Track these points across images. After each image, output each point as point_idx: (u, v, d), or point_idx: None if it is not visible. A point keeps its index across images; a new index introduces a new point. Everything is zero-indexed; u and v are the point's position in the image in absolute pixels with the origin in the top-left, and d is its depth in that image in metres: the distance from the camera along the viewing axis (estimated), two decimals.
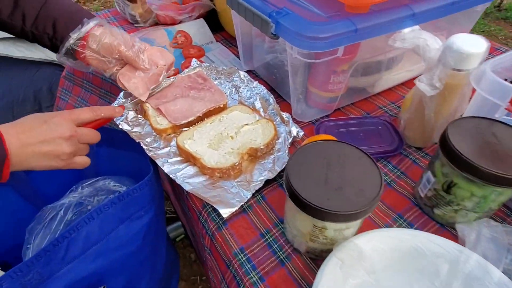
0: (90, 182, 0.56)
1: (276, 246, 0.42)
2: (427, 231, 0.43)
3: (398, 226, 0.44)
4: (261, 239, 0.42)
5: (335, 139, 0.46)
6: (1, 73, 1.17)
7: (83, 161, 0.47)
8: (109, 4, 2.49)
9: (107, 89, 0.77)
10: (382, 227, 0.44)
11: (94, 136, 0.48)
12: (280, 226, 0.44)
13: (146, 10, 0.82)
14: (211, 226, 0.44)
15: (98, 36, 0.51)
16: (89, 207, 0.56)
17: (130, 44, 0.53)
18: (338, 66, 0.52)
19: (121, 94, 0.57)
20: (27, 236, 0.51)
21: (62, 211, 0.53)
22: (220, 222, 0.44)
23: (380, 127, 0.56)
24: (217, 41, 0.81)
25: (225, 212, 0.43)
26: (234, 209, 0.44)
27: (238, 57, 0.75)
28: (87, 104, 0.82)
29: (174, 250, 0.75)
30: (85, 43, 0.51)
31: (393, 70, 0.62)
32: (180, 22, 0.82)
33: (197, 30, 0.80)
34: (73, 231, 0.41)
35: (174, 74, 0.63)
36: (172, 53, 0.66)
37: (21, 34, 0.53)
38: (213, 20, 0.83)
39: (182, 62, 0.72)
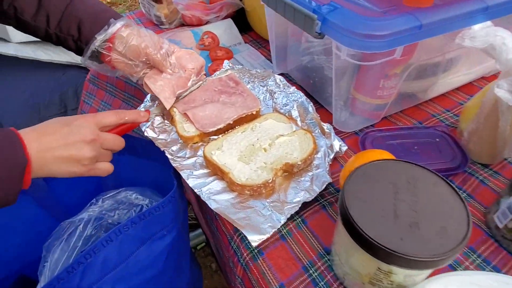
0: (111, 194, 0.52)
1: (322, 283, 0.35)
2: (507, 270, 0.36)
3: (472, 263, 0.36)
4: (305, 273, 0.36)
5: (392, 156, 0.39)
6: (28, 75, 1.18)
7: (105, 167, 0.43)
8: (134, 8, 2.52)
9: (131, 93, 0.74)
10: (452, 265, 0.36)
11: (118, 142, 0.44)
12: (326, 258, 0.37)
13: (172, 11, 0.78)
14: (245, 254, 0.38)
15: (125, 37, 0.47)
16: (109, 221, 0.52)
17: (159, 47, 0.49)
18: (391, 69, 0.45)
19: (148, 96, 0.54)
20: (44, 253, 0.48)
21: (81, 226, 0.49)
22: (256, 251, 0.38)
23: (437, 139, 0.49)
24: (245, 42, 0.76)
25: (254, 240, 0.37)
26: (265, 236, 0.37)
27: (269, 59, 0.69)
28: (111, 108, 0.79)
29: (197, 265, 0.70)
30: (111, 45, 0.48)
31: (450, 73, 0.54)
32: (207, 22, 0.78)
33: (224, 31, 0.75)
34: (89, 256, 0.37)
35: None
36: None
37: (45, 37, 0.50)
38: (241, 20, 0.77)
39: (210, 64, 0.67)
